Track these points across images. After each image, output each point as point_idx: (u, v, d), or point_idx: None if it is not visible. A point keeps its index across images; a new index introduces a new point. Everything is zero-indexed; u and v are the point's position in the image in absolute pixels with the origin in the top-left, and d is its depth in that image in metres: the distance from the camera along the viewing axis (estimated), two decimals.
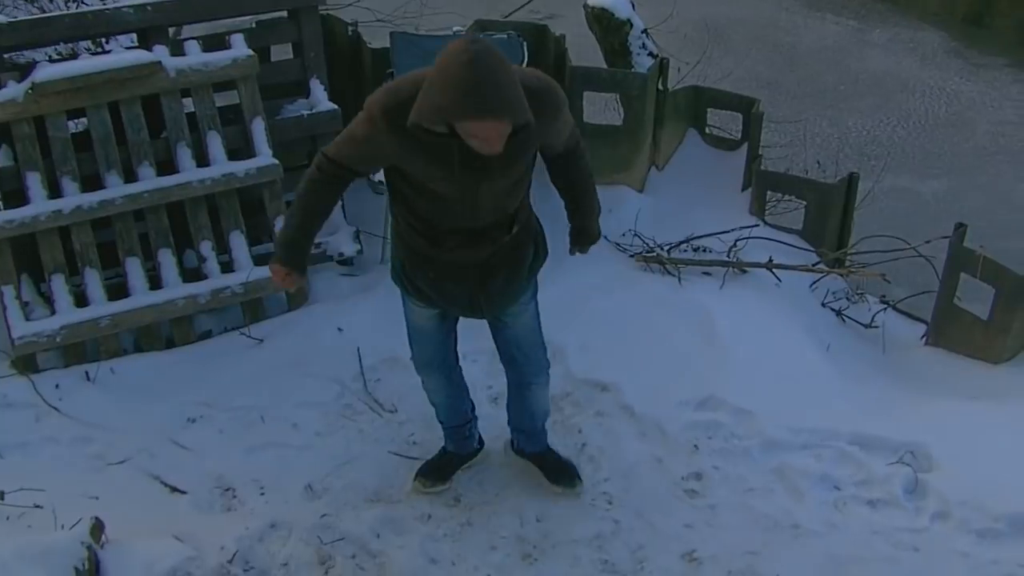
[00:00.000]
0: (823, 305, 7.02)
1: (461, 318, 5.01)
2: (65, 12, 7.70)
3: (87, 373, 6.12)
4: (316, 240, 6.79)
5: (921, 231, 7.30)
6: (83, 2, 10.40)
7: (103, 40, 8.31)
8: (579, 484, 5.50)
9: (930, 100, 11.86)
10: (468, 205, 4.35)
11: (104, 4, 8.24)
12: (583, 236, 5.04)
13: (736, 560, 5.15)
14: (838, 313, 7.02)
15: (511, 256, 4.65)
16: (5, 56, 6.57)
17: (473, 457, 5.60)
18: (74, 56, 7.17)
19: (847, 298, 7.16)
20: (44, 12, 9.54)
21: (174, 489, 5.45)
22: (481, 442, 5.62)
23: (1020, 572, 5.19)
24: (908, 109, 11.66)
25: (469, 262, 4.55)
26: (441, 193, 4.31)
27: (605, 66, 8.31)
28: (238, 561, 4.83)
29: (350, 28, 7.53)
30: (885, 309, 7.20)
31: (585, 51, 8.50)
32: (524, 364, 5.15)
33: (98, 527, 4.63)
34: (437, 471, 5.50)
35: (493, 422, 5.82)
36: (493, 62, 3.84)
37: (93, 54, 6.84)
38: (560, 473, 5.52)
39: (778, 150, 9.44)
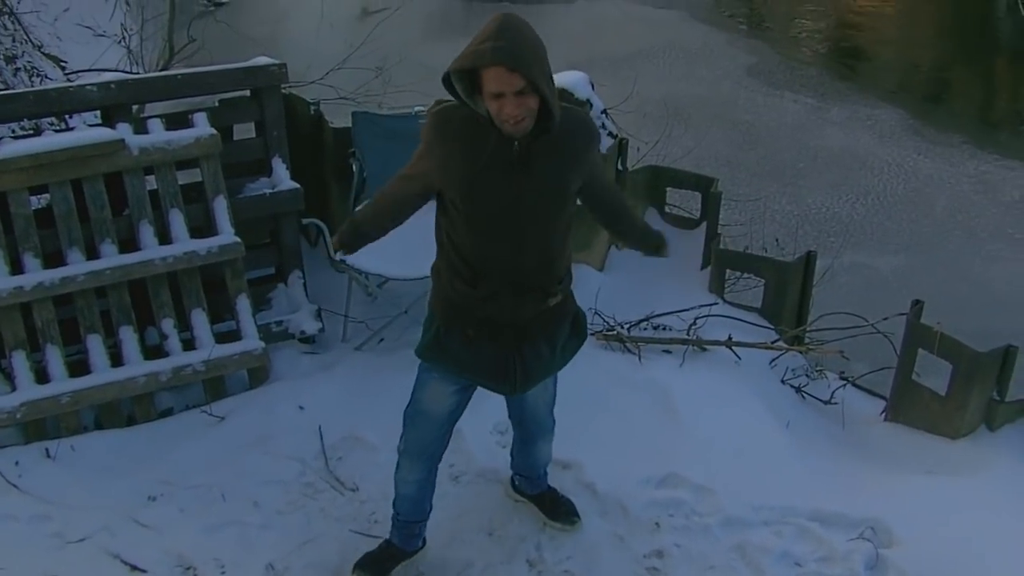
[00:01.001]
0: (783, 382, 7.07)
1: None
2: (29, 89, 7.72)
3: (47, 450, 6.07)
4: (278, 319, 6.87)
5: (880, 307, 7.39)
6: (47, 77, 10.49)
7: (67, 116, 8.34)
8: (578, 521, 5.65)
9: (888, 177, 12.02)
10: (514, 241, 4.43)
11: (68, 81, 8.30)
12: (648, 237, 5.15)
13: None
14: (798, 390, 7.06)
15: (550, 325, 4.72)
16: None
17: (415, 555, 5.42)
18: (38, 132, 7.18)
19: (807, 375, 7.21)
20: (8, 86, 9.59)
21: (134, 567, 5.39)
22: (424, 541, 5.46)
23: None
24: (866, 186, 11.81)
25: (508, 321, 4.58)
26: (487, 220, 4.41)
27: None
28: None
29: (312, 107, 7.58)
30: (844, 385, 7.25)
31: None
32: (535, 429, 5.36)
33: None
34: (377, 565, 5.33)
35: (453, 501, 5.86)
36: (518, 23, 4.12)
37: (57, 130, 6.85)
38: (559, 510, 5.69)
39: (738, 228, 9.54)
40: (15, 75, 10.80)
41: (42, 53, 11.86)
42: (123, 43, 11.68)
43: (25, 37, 11.82)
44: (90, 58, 11.73)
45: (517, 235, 4.42)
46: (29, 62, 11.34)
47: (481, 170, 4.31)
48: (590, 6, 17.31)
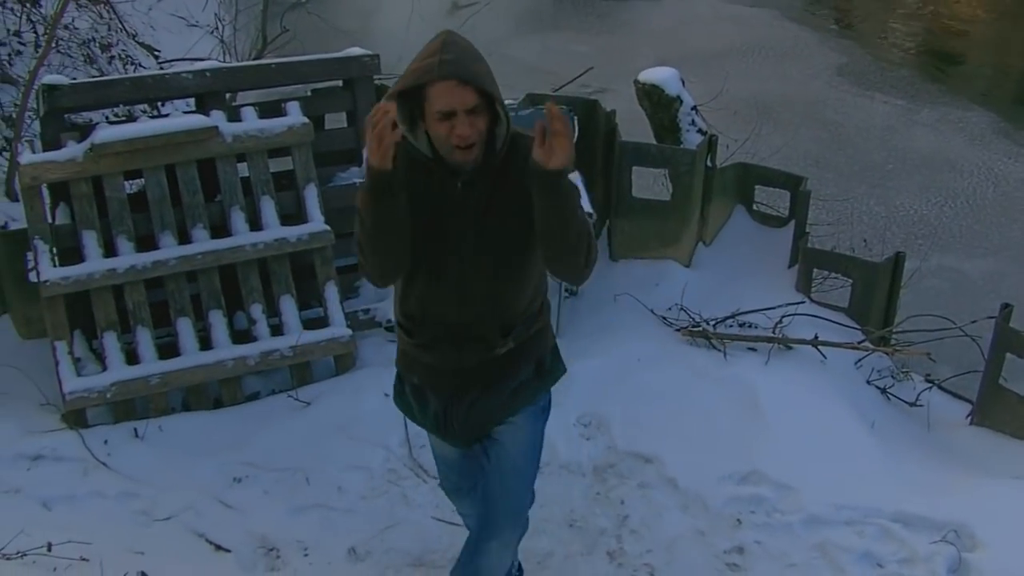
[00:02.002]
0: (868, 383, 7.01)
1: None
2: (125, 76, 7.85)
3: (135, 430, 6.18)
4: (365, 307, 6.91)
5: (967, 311, 7.31)
6: (140, 66, 10.64)
7: (161, 103, 8.46)
8: None
9: (978, 180, 11.86)
10: (454, 290, 4.09)
11: (161, 69, 8.42)
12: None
13: None
14: (883, 391, 7.01)
15: (498, 371, 4.28)
16: (66, 116, 6.70)
17: None
18: (132, 118, 7.29)
19: (892, 376, 7.15)
20: (103, 74, 9.75)
21: (218, 547, 5.49)
22: (520, 570, 5.13)
23: None
24: (955, 189, 11.65)
25: (448, 367, 4.24)
26: (425, 267, 4.08)
27: (654, 141, 8.36)
28: None
29: None
30: (930, 388, 7.19)
31: (635, 126, 8.56)
32: (497, 500, 4.46)
33: None
34: None
35: (536, 492, 5.82)
36: (462, 39, 3.84)
37: (151, 117, 6.95)
38: None
39: (825, 228, 9.45)
40: (110, 63, 10.96)
41: (136, 42, 12.03)
42: (216, 33, 11.82)
43: (120, 26, 11.99)
44: (183, 47, 11.87)
45: (457, 283, 4.09)
46: (123, 51, 11.50)
47: (425, 214, 3.99)
48: (681, 3, 17.22)
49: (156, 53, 11.96)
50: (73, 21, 11.13)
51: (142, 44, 12.04)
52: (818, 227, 8.82)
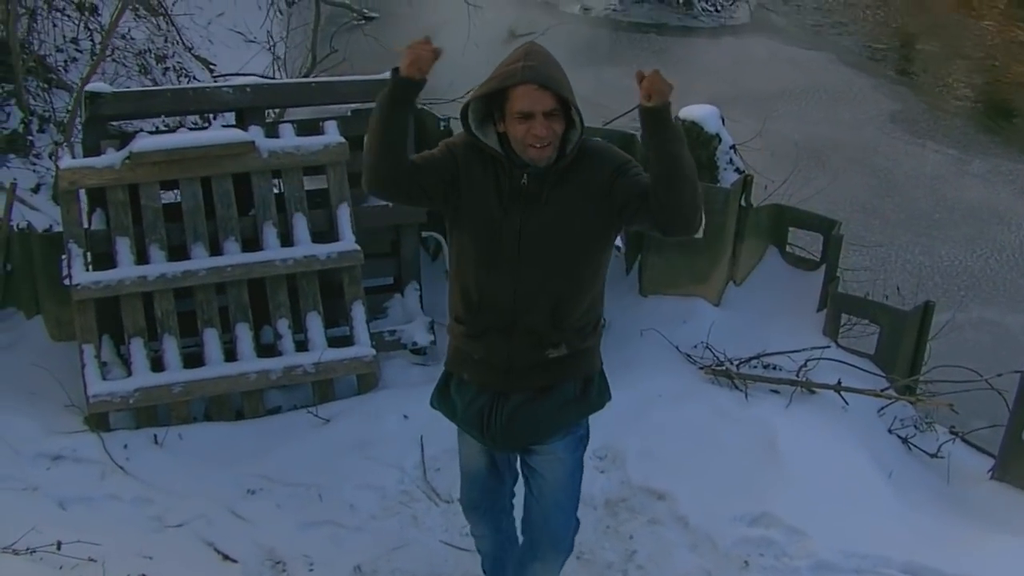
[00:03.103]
0: (890, 431, 6.98)
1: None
2: (168, 87, 7.96)
3: (156, 436, 6.27)
4: (391, 328, 6.97)
5: (1006, 365, 7.22)
6: (194, 78, 10.78)
7: (204, 116, 8.58)
8: None
9: None
10: (512, 279, 4.26)
11: (215, 83, 8.53)
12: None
13: None
14: (904, 440, 6.98)
15: (550, 378, 4.42)
16: (114, 124, 6.81)
17: None
18: (178, 129, 7.40)
19: (915, 426, 7.11)
20: (156, 84, 9.89)
21: (226, 557, 5.55)
22: None
23: None
24: (1003, 241, 11.57)
25: (498, 363, 4.37)
26: (486, 253, 4.28)
27: None
28: None
29: (441, 123, 7.69)
30: (953, 440, 7.14)
31: None
32: (539, 530, 4.69)
33: None
34: None
35: None
36: (542, 50, 4.16)
37: (194, 128, 7.05)
38: None
39: (864, 272, 9.44)
40: (164, 74, 11.12)
41: (192, 55, 12.18)
42: (270, 49, 11.95)
43: (177, 38, 12.15)
44: (238, 63, 12.02)
45: (515, 273, 4.26)
46: (179, 63, 11.66)
47: (485, 202, 4.25)
48: (738, 42, 17.24)
49: (212, 67, 12.11)
50: (130, 31, 11.31)
51: (198, 57, 12.19)
52: (856, 272, 8.81)
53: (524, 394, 4.41)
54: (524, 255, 4.25)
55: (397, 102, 4.13)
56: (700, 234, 4.33)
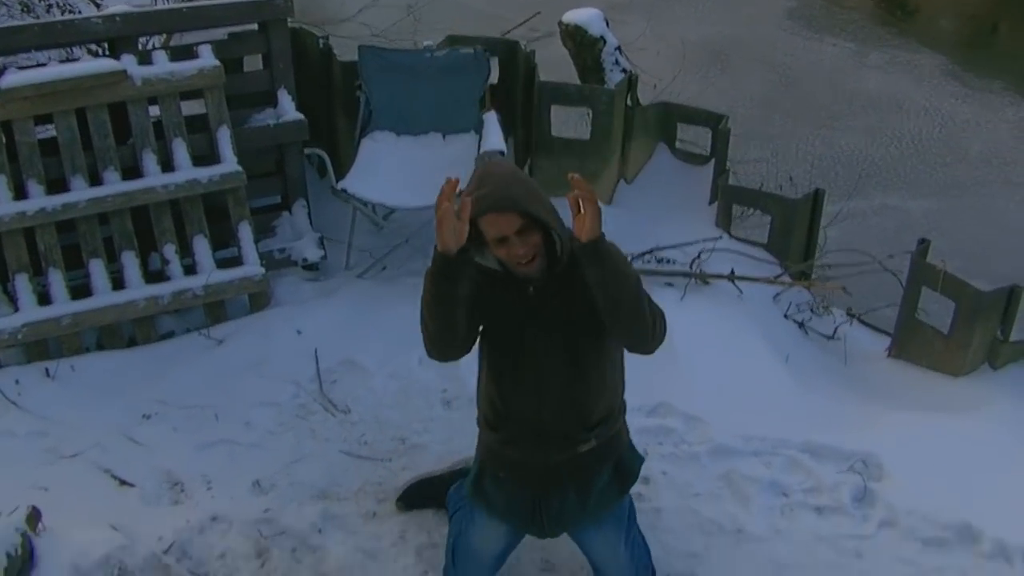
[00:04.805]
0: (786, 317, 7.06)
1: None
2: (34, 22, 7.82)
3: (47, 369, 6.20)
4: (281, 246, 6.94)
5: (909, 248, 7.31)
6: (72, 8, 10.57)
7: (73, 49, 8.45)
8: None
9: (924, 121, 11.86)
10: (534, 391, 4.34)
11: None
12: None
13: (677, 563, 5.17)
14: (800, 325, 7.06)
15: (583, 471, 4.54)
16: None
17: None
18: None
19: (811, 310, 7.20)
20: (37, 19, 9.70)
21: (123, 482, 5.52)
22: None
23: None
24: (902, 130, 11.65)
25: (536, 462, 4.47)
26: (508, 370, 4.35)
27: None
28: (174, 551, 4.87)
29: (320, 41, 7.63)
30: (850, 322, 7.23)
31: (571, 69, 8.60)
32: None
33: (34, 515, 4.70)
34: None
35: (445, 424, 5.96)
36: (497, 170, 4.18)
37: (62, 62, 6.93)
38: None
39: (764, 166, 9.50)
40: (48, 11, 10.88)
41: None
42: None
43: None
44: None
45: (536, 384, 4.33)
46: (64, 0, 11.41)
47: (501, 320, 4.29)
48: None
49: (99, 3, 11.87)
50: None
51: None
52: (756, 164, 8.87)
53: (561, 488, 4.52)
54: (542, 367, 4.31)
55: (446, 278, 4.06)
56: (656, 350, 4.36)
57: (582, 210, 3.93)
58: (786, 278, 7.20)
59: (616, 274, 4.06)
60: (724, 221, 7.52)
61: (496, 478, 4.60)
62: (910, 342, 6.83)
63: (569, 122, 8.26)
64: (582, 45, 8.21)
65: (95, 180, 6.48)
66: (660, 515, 5.41)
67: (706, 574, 5.15)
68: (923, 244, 6.67)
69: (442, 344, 4.26)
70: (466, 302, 4.14)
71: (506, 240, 4.07)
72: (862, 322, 7.35)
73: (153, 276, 6.61)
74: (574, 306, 4.22)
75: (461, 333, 4.22)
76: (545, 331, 4.27)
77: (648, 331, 4.22)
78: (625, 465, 4.70)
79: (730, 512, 5.53)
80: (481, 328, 4.35)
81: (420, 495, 5.38)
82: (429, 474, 5.42)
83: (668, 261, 7.17)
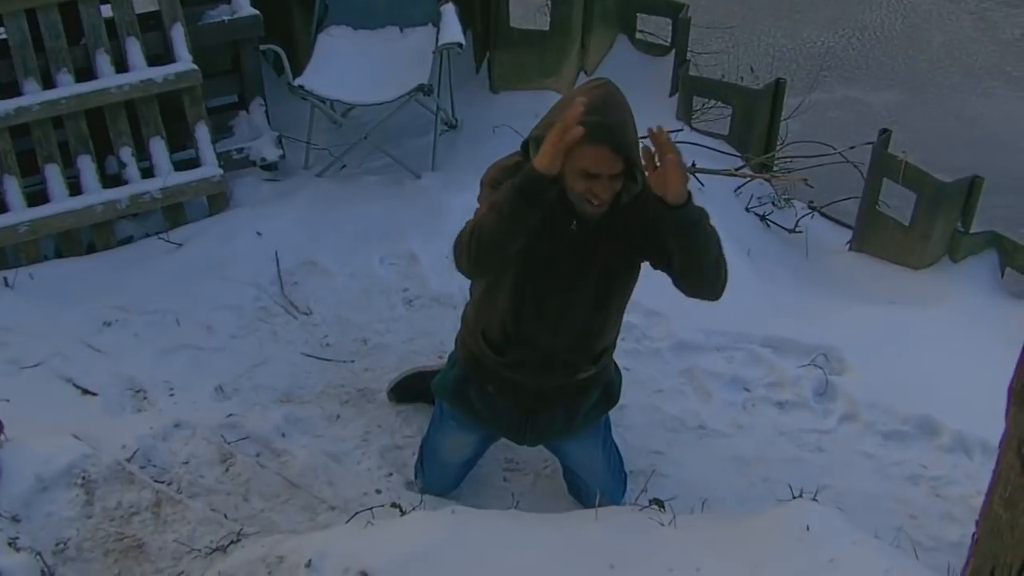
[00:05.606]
0: (747, 210, 7.06)
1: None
2: None
3: (5, 279, 6.08)
4: (239, 146, 6.86)
5: (870, 141, 7.30)
6: None
7: None
8: None
9: (886, 13, 11.79)
10: (554, 321, 4.25)
11: None
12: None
13: (640, 459, 5.22)
14: (762, 218, 7.06)
15: (575, 395, 4.54)
16: None
17: None
18: None
19: (773, 203, 7.20)
20: None
21: (85, 391, 5.48)
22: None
23: (922, 472, 5.31)
24: (863, 21, 11.59)
25: (530, 385, 4.43)
26: (531, 296, 4.20)
27: None
28: (138, 459, 4.84)
29: None
30: (812, 215, 7.23)
31: None
32: (585, 492, 4.79)
33: None
34: None
35: (407, 324, 5.96)
36: (616, 98, 3.86)
37: None
38: None
39: (725, 57, 9.44)
40: None
41: None
42: None
43: None
44: None
45: (558, 316, 4.25)
46: None
47: (535, 248, 3.99)
48: None
49: None
50: None
51: None
52: (716, 55, 8.81)
53: (549, 409, 4.55)
54: (568, 300, 4.22)
55: (535, 200, 3.75)
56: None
57: (659, 164, 3.70)
58: (747, 170, 7.18)
59: (701, 241, 3.90)
60: (684, 112, 7.47)
61: (483, 391, 4.56)
62: (871, 234, 6.85)
63: (528, 15, 8.17)
64: None
65: (48, 83, 6.34)
66: (623, 412, 5.39)
67: (668, 470, 5.20)
68: (884, 134, 6.66)
69: (488, 264, 4.02)
70: (534, 230, 3.87)
71: (596, 178, 3.84)
72: (823, 215, 7.36)
73: (110, 180, 6.51)
74: (612, 249, 4.14)
75: (510, 259, 4.00)
76: (579, 266, 4.16)
77: (720, 285, 4.09)
78: (613, 387, 4.73)
79: (692, 408, 5.60)
80: None
81: (411, 389, 5.40)
82: (422, 368, 5.42)
83: None
